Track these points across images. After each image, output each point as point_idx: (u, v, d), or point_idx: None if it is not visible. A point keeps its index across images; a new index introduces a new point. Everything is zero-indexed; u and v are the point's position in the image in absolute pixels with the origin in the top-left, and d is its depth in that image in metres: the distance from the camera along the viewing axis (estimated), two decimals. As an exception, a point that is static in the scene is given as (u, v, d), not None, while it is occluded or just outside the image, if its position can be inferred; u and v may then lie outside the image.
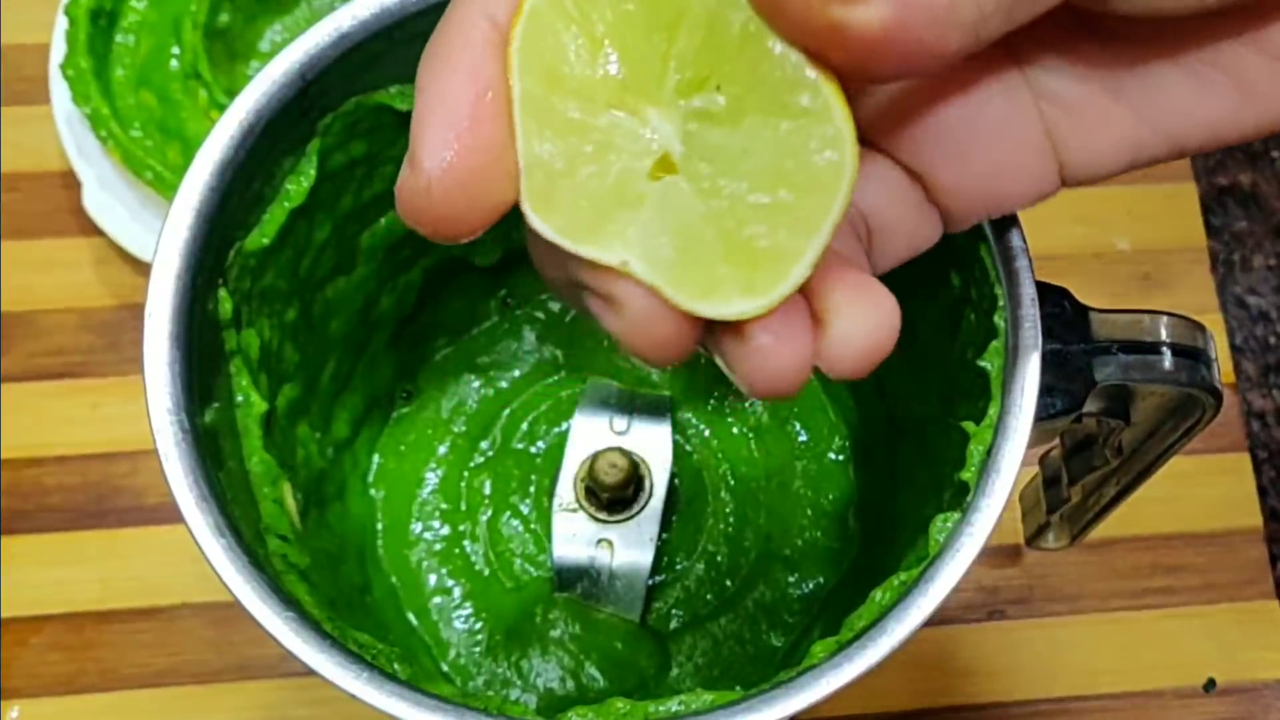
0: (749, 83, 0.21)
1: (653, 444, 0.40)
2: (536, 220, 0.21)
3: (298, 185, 0.32)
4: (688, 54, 0.21)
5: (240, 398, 0.31)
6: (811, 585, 0.40)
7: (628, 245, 0.21)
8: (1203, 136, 0.23)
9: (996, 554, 0.48)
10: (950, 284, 0.32)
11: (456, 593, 0.40)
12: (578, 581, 0.39)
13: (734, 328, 0.21)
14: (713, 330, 0.22)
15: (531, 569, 0.40)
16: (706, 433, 0.42)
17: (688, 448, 0.42)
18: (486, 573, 0.40)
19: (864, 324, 0.22)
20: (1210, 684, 0.47)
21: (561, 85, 0.21)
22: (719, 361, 0.22)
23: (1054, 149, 0.24)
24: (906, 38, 0.19)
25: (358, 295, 0.38)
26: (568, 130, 0.21)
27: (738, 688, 0.28)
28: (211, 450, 0.29)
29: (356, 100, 0.32)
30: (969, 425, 0.29)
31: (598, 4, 0.21)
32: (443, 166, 0.21)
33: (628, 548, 0.39)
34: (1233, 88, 0.23)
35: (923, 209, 0.25)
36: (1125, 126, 0.23)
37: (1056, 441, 0.40)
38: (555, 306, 0.43)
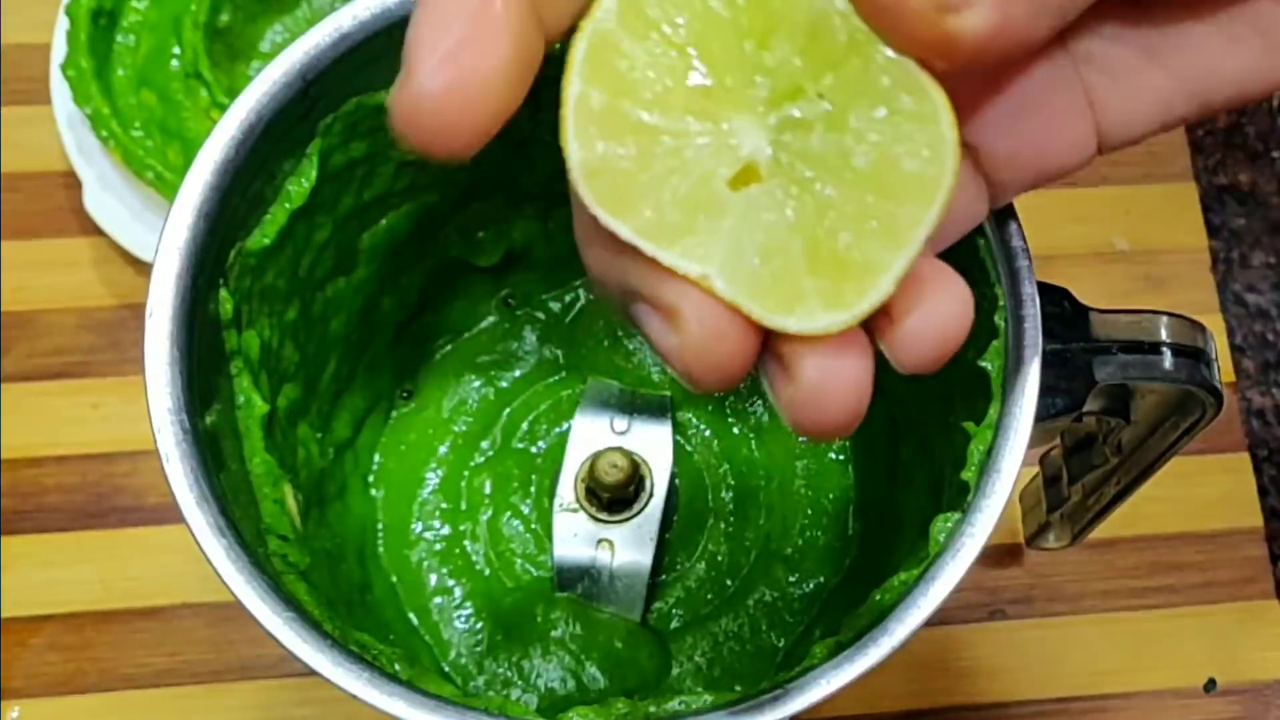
0: (855, 89, 0.20)
1: (653, 444, 0.40)
2: (612, 221, 0.21)
3: (299, 186, 0.32)
4: (786, 62, 0.21)
5: (241, 399, 0.31)
6: (812, 585, 0.40)
7: (709, 257, 0.20)
8: (1230, 93, 0.24)
9: (997, 554, 0.48)
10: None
11: (457, 592, 0.40)
12: (578, 581, 0.39)
13: (784, 367, 0.21)
14: (763, 362, 0.21)
15: (532, 569, 0.40)
16: (707, 433, 0.42)
17: (688, 448, 0.42)
18: (487, 572, 0.40)
19: (938, 316, 0.21)
20: (1211, 684, 0.47)
21: (634, 90, 0.21)
22: (769, 391, 0.22)
23: (1093, 113, 0.24)
24: (1009, 35, 0.20)
25: (358, 295, 0.38)
26: (639, 134, 0.21)
27: (738, 687, 0.28)
28: (212, 451, 0.29)
29: (357, 100, 0.32)
30: (969, 425, 0.29)
31: (682, 8, 0.21)
32: (438, 75, 0.20)
33: (628, 548, 0.39)
34: (1258, 42, 0.23)
35: (974, 182, 0.25)
36: (1158, 86, 0.24)
37: (1057, 441, 0.40)
38: (555, 306, 0.43)
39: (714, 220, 0.21)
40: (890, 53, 0.20)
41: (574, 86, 0.20)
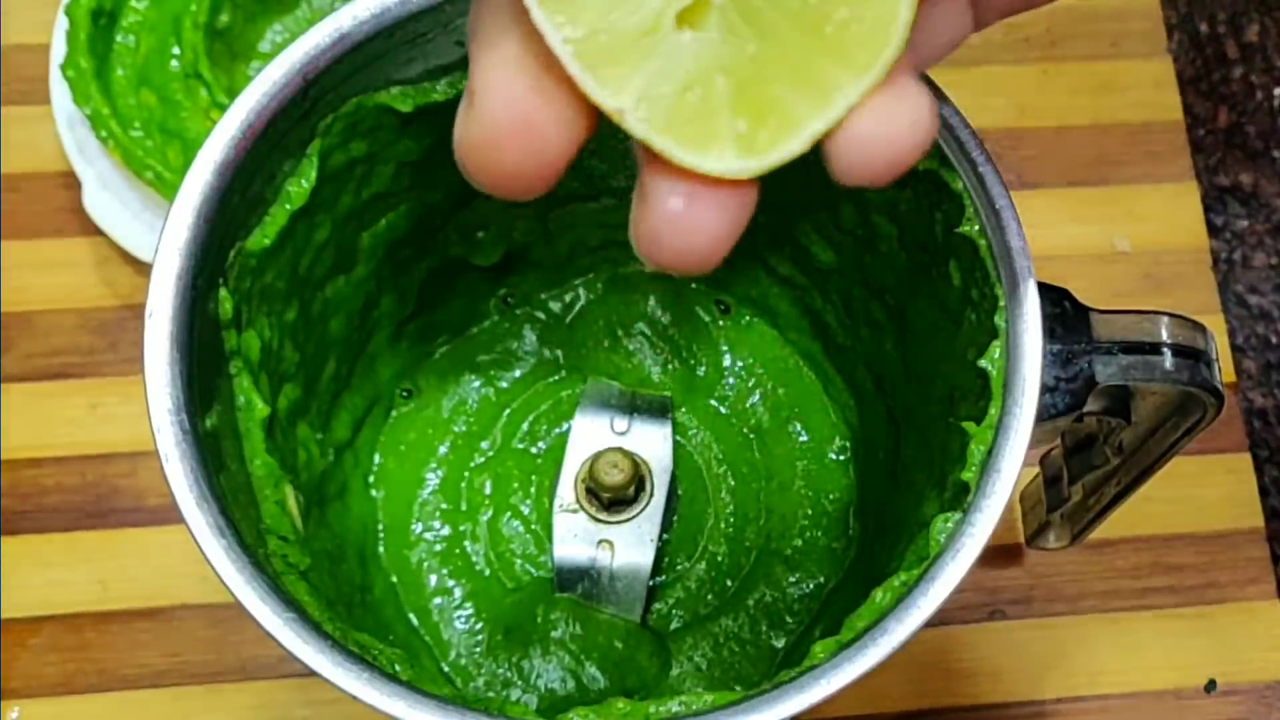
0: None
1: (653, 444, 0.40)
2: (543, 19, 0.20)
3: (299, 187, 0.32)
4: None
5: (242, 400, 0.31)
6: (812, 585, 0.40)
7: (627, 91, 0.20)
8: None
9: (996, 554, 0.48)
10: (951, 284, 0.32)
11: (457, 593, 0.40)
12: (578, 582, 0.39)
13: (644, 197, 0.20)
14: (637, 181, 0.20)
15: (532, 569, 0.40)
16: (707, 433, 0.42)
17: (688, 448, 0.42)
18: (487, 573, 0.40)
19: (890, 123, 0.20)
20: (1211, 684, 0.47)
21: None
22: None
23: None
24: None
25: (358, 295, 0.37)
26: None
27: (738, 688, 0.28)
28: (212, 451, 0.29)
29: (357, 100, 0.32)
30: (970, 425, 0.29)
31: None
32: (510, 112, 0.19)
33: (628, 548, 0.39)
34: None
35: (961, 2, 0.24)
36: None
37: (1057, 441, 0.40)
38: (555, 306, 0.43)
39: (647, 54, 0.20)
40: None
41: None
